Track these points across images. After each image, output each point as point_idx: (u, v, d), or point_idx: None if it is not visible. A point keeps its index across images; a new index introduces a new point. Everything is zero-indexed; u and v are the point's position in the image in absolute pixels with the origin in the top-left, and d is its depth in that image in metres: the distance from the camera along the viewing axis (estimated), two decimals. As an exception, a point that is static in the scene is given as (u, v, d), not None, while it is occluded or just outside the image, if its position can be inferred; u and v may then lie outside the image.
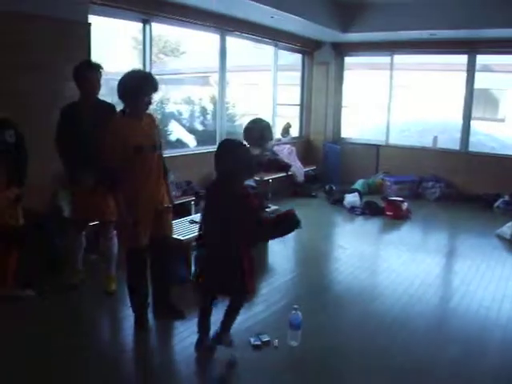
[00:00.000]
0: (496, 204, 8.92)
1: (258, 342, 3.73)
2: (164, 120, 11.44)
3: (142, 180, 3.76)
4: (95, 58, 5.30)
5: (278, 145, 9.87)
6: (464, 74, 9.77)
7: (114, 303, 4.55)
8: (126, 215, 3.70)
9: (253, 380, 3.43)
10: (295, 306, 3.79)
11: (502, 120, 15.00)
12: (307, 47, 10.58)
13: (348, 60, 11.08)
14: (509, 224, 7.04)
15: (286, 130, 10.55)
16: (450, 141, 10.48)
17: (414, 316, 4.49)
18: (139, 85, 3.65)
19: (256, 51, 11.36)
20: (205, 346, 3.63)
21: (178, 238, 4.95)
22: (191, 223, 5.49)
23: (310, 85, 11.08)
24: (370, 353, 3.80)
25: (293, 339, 3.75)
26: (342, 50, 10.77)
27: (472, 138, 10.06)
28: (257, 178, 8.19)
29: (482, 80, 10.20)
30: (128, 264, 3.93)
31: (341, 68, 11.03)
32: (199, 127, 11.84)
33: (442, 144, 10.31)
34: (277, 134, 10.27)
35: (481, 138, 11.18)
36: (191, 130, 11.39)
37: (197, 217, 5.66)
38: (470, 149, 9.95)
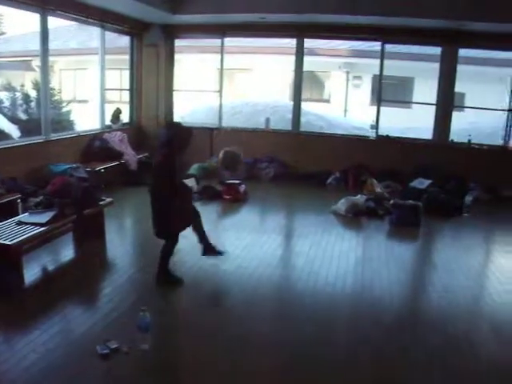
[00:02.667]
0: (328, 181, 9.36)
1: (107, 351, 3.42)
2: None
3: None
4: None
5: (108, 132, 9.33)
6: (293, 58, 10.02)
7: None
8: None
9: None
10: (142, 308, 3.54)
11: (328, 101, 15.94)
12: (135, 29, 10.10)
13: (179, 42, 10.83)
14: (342, 200, 7.40)
15: (116, 116, 9.99)
16: (282, 122, 10.79)
17: (262, 301, 4.49)
18: None
19: (86, 34, 10.72)
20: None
21: (4, 243, 4.38)
22: (19, 224, 4.84)
23: (140, 68, 10.62)
24: (219, 345, 3.70)
25: (143, 343, 3.51)
26: (171, 32, 10.46)
27: (302, 119, 10.43)
28: (88, 169, 7.72)
29: (309, 63, 10.58)
30: None
31: (171, 51, 10.74)
32: (23, 116, 10.97)
33: (275, 125, 10.54)
34: (106, 121, 9.70)
35: (310, 118, 11.68)
36: (14, 120, 10.50)
37: (25, 216, 5.09)
38: (302, 129, 10.30)
